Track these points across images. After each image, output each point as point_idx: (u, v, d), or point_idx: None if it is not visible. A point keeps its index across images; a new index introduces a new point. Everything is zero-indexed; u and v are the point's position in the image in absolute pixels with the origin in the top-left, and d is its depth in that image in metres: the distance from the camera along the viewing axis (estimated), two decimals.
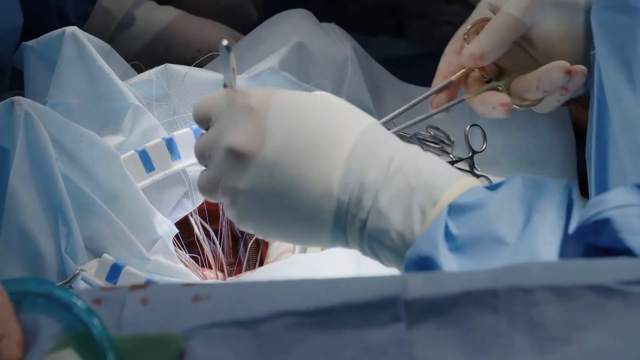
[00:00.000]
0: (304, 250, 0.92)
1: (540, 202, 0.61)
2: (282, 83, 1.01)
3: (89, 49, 0.94)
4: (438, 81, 0.94)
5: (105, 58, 0.97)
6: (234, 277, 0.95)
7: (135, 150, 0.92)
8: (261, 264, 0.98)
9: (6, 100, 0.85)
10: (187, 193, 0.95)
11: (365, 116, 0.70)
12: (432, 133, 1.04)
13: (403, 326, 0.52)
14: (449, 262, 0.61)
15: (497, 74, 0.94)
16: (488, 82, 0.93)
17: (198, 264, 0.96)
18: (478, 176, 1.00)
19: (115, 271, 0.85)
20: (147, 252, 0.88)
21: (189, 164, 0.95)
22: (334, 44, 1.08)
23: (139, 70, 1.03)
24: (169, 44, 1.21)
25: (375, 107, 1.07)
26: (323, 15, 1.15)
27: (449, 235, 0.62)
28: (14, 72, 1.06)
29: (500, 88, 0.91)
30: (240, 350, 0.52)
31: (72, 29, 0.94)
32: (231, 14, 1.32)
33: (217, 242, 0.97)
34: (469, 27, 0.94)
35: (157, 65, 1.00)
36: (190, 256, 0.95)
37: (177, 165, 0.94)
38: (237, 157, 0.68)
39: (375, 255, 0.67)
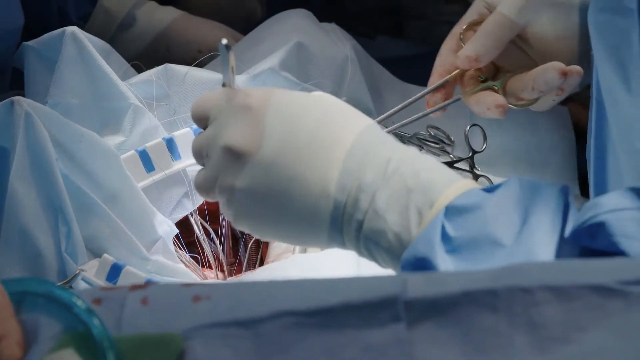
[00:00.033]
0: (304, 250, 0.92)
1: (536, 205, 0.61)
2: (282, 83, 1.01)
3: (89, 49, 0.94)
4: (434, 79, 0.94)
5: (106, 58, 0.97)
6: (234, 277, 0.95)
7: (136, 150, 0.92)
8: (261, 264, 0.97)
9: (6, 100, 0.85)
10: (187, 193, 0.95)
11: (363, 117, 0.70)
12: (432, 133, 1.04)
13: (403, 326, 0.52)
14: (445, 263, 0.60)
15: (493, 72, 0.94)
16: (484, 81, 0.93)
17: (198, 264, 0.96)
18: (478, 176, 1.00)
19: (115, 271, 0.85)
20: (147, 252, 0.88)
21: (189, 164, 0.94)
22: (334, 44, 1.08)
23: (140, 70, 1.03)
24: (170, 44, 1.21)
25: (375, 107, 1.07)
26: (323, 15, 1.15)
27: (445, 237, 0.61)
28: (14, 72, 1.06)
29: (496, 87, 0.91)
30: (240, 350, 0.52)
31: (72, 29, 0.94)
32: (235, 9, 1.32)
33: (217, 242, 0.97)
34: (464, 26, 0.94)
35: (158, 65, 1.00)
36: (191, 256, 0.95)
37: (177, 165, 0.94)
38: (235, 156, 0.68)
39: (371, 256, 0.67)
